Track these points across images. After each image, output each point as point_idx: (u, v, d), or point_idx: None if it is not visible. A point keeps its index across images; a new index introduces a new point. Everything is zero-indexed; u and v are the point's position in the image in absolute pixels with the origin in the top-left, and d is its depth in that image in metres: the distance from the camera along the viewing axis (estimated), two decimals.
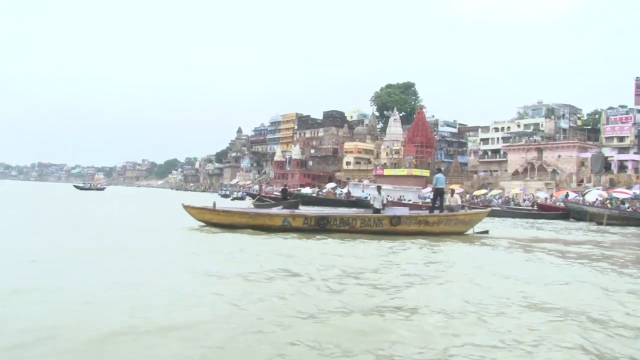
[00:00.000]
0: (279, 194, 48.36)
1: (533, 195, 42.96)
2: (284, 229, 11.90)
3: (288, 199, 29.67)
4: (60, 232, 11.47)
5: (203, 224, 12.43)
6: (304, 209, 25.05)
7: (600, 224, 24.58)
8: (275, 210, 13.40)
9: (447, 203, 14.34)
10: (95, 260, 7.05)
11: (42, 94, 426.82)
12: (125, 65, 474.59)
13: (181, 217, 12.96)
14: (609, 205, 29.90)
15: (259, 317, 4.29)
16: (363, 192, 40.88)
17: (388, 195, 42.86)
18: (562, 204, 33.27)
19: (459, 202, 14.58)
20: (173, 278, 5.91)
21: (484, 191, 50.73)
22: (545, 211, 31.91)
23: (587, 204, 32.19)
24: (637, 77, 44.71)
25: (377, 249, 9.55)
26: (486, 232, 13.63)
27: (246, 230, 11.68)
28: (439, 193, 13.69)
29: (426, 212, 13.66)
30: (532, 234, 15.94)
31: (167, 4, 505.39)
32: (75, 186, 72.32)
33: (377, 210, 12.89)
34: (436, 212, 13.40)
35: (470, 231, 13.36)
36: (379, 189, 13.65)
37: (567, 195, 38.58)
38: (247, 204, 28.09)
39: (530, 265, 8.55)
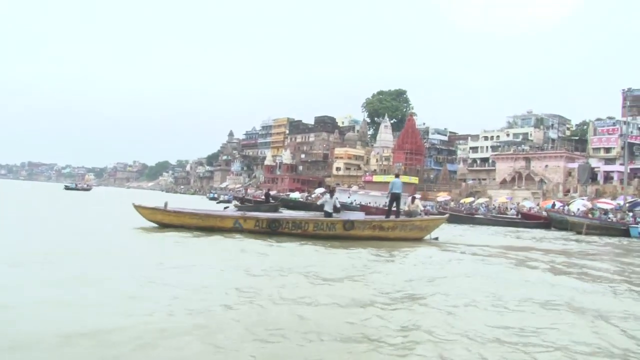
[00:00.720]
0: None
1: (517, 204, 43.14)
2: (235, 230, 11.80)
3: (271, 202, 29.83)
4: None
5: (155, 224, 12.24)
6: (287, 213, 25.11)
7: (579, 233, 24.73)
8: (226, 211, 13.27)
9: (406, 209, 14.29)
10: None
11: (34, 93, 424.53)
12: (118, 65, 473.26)
13: (135, 218, 12.68)
14: (590, 215, 30.09)
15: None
16: (349, 197, 40.91)
17: (374, 202, 43.02)
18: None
19: (420, 209, 14.43)
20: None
21: (470, 199, 50.94)
22: (527, 220, 32.10)
23: (572, 213, 32.42)
24: (623, 90, 45.07)
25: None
26: (436, 238, 13.47)
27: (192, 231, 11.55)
28: (395, 198, 13.55)
29: (382, 217, 13.52)
30: (495, 241, 15.98)
31: (161, 6, 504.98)
32: (65, 186, 72.81)
33: (328, 214, 12.69)
34: (392, 217, 13.30)
35: (427, 237, 13.30)
36: (331, 192, 13.50)
37: (553, 205, 38.79)
38: (232, 207, 28.08)
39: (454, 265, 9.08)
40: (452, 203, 46.13)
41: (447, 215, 16.21)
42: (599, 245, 17.82)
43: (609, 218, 30.32)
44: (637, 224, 25.98)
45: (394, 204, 13.59)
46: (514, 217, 34.37)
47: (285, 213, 20.40)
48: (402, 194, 13.94)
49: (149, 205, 12.75)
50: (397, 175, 14.47)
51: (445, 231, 20.95)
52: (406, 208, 14.29)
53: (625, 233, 24.85)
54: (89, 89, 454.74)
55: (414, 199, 14.95)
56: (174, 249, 9.18)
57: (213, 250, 9.28)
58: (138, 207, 12.49)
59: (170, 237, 10.58)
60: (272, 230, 11.89)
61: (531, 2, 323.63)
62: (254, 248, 9.53)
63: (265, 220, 12.15)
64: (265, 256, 8.55)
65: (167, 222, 12.09)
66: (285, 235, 11.68)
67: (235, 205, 29.25)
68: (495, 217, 33.58)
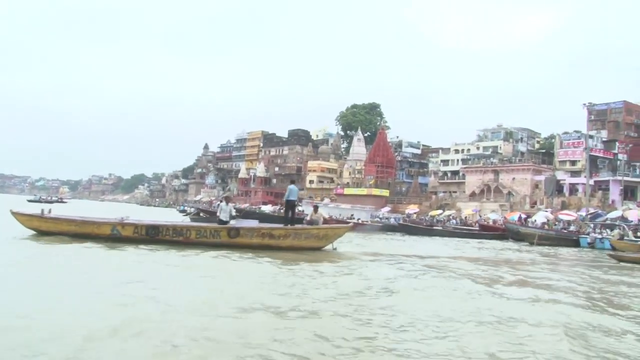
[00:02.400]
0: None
1: (480, 217, 43.38)
2: (114, 238, 11.50)
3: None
4: None
5: (33, 231, 11.94)
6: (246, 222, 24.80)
7: (532, 243, 24.90)
8: (104, 218, 12.91)
9: (308, 218, 14.03)
10: None
11: (4, 104, 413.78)
12: (93, 77, 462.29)
13: (15, 225, 12.28)
14: (546, 227, 30.30)
15: None
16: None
17: (338, 214, 42.89)
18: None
19: (323, 218, 14.03)
20: None
21: (439, 211, 51.12)
22: (485, 231, 32.23)
23: (537, 225, 32.68)
24: (584, 104, 45.69)
25: None
26: (335, 249, 13.08)
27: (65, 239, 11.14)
28: (290, 206, 13.21)
29: (279, 226, 13.07)
30: (418, 251, 16.07)
31: (137, 19, 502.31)
32: (28, 199, 71.59)
33: (222, 222, 12.42)
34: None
35: (329, 247, 12.92)
36: (227, 199, 13.21)
37: (519, 217, 39.14)
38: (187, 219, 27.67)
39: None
40: (415, 215, 46.23)
41: (350, 224, 15.82)
42: (523, 253, 17.99)
43: (565, 229, 30.59)
44: (587, 234, 26.23)
45: (290, 212, 13.19)
46: (472, 228, 34.49)
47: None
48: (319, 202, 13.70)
49: (25, 212, 12.44)
50: (292, 182, 14.18)
51: (387, 242, 20.95)
52: (308, 217, 14.03)
53: (576, 243, 25.08)
54: (62, 101, 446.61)
55: (316, 207, 14.57)
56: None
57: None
58: (15, 214, 12.18)
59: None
60: (151, 238, 11.59)
61: (505, 22, 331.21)
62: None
63: (144, 226, 11.85)
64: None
65: (44, 229, 11.84)
66: (165, 243, 11.35)
67: (190, 218, 28.93)
68: (454, 229, 33.66)
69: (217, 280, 7.47)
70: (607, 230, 26.43)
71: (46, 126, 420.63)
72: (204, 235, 11.80)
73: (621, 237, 22.38)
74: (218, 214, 12.82)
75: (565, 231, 29.37)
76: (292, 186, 13.36)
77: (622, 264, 14.83)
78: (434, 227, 33.70)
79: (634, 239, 22.20)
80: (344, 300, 6.20)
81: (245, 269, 9.08)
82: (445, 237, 29.02)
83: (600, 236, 25.12)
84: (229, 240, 11.74)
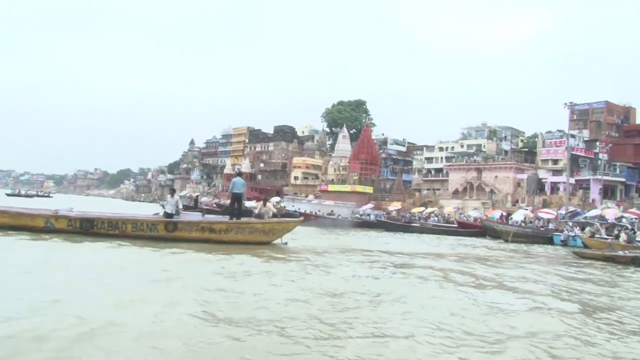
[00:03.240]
0: (216, 205, 48.34)
1: (461, 214, 43.57)
2: (47, 230, 11.35)
3: (198, 208, 29.38)
4: None
5: None
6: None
7: (506, 240, 25.03)
8: (38, 210, 12.73)
9: (256, 212, 13.88)
10: None
11: None
12: (79, 73, 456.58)
13: None
14: (522, 225, 30.48)
15: None
16: (293, 205, 40.64)
17: (317, 210, 42.77)
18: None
19: (272, 212, 13.86)
20: None
21: (421, 209, 51.28)
22: (463, 228, 32.35)
23: (517, 223, 32.87)
24: (565, 104, 45.93)
25: None
26: (285, 243, 12.87)
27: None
28: (236, 198, 13.00)
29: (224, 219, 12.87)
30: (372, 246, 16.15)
31: (121, 15, 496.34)
32: (7, 193, 71.01)
33: (169, 215, 12.28)
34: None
35: (277, 241, 12.71)
36: (172, 192, 13.06)
37: (501, 215, 39.34)
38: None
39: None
40: (396, 212, 46.39)
41: (301, 219, 15.54)
42: (492, 250, 18.08)
43: (543, 227, 30.79)
44: (561, 232, 26.43)
45: (236, 205, 13.03)
46: (451, 225, 34.63)
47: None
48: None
49: None
50: (238, 174, 13.98)
51: (355, 238, 20.97)
52: (256, 211, 13.87)
53: (550, 241, 25.24)
54: (48, 96, 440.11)
55: (265, 201, 14.35)
56: None
57: None
58: None
59: None
60: (85, 231, 11.44)
61: (492, 23, 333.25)
62: None
63: (78, 219, 11.69)
64: None
65: None
66: (100, 236, 11.17)
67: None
68: (433, 226, 33.75)
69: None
70: (578, 227, 26.63)
71: (31, 121, 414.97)
72: (141, 228, 11.65)
73: (592, 235, 22.66)
74: (164, 206, 12.69)
75: (542, 229, 29.57)
76: (236, 178, 13.19)
77: (583, 260, 15.01)
78: (412, 224, 33.73)
79: (605, 236, 22.46)
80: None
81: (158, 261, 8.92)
82: (423, 234, 29.05)
83: (572, 234, 25.34)
84: (167, 234, 11.58)
